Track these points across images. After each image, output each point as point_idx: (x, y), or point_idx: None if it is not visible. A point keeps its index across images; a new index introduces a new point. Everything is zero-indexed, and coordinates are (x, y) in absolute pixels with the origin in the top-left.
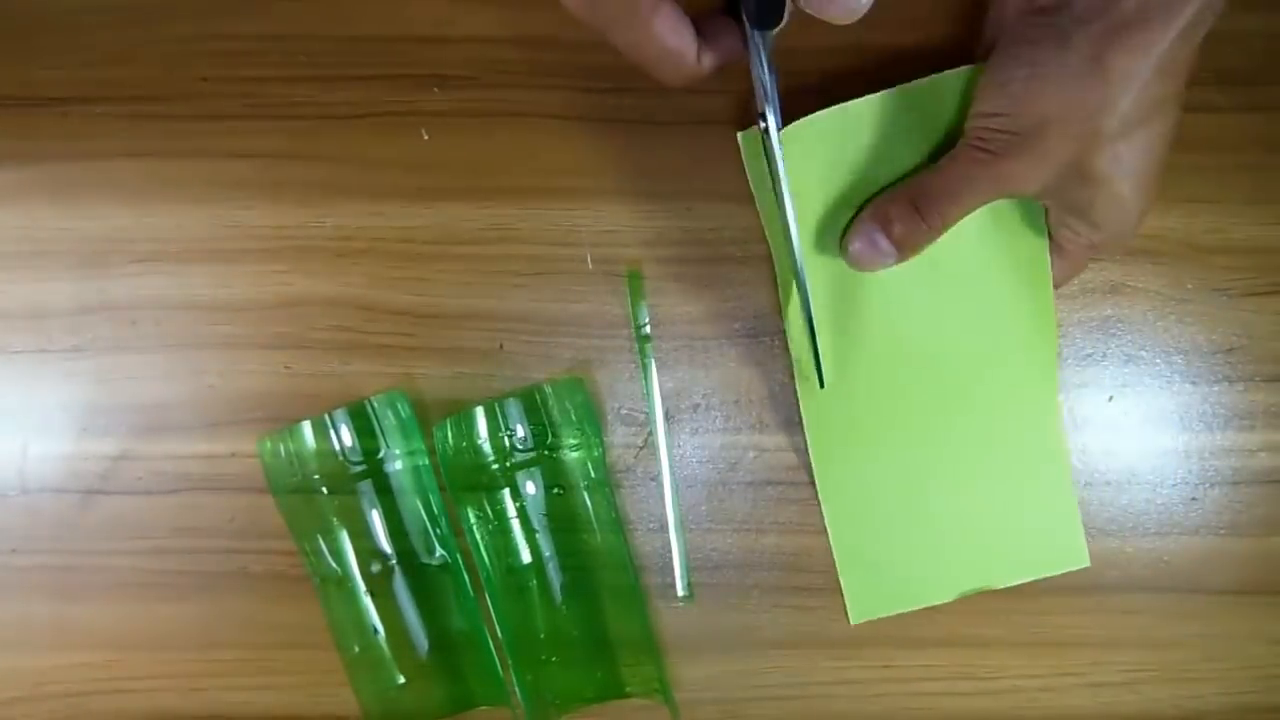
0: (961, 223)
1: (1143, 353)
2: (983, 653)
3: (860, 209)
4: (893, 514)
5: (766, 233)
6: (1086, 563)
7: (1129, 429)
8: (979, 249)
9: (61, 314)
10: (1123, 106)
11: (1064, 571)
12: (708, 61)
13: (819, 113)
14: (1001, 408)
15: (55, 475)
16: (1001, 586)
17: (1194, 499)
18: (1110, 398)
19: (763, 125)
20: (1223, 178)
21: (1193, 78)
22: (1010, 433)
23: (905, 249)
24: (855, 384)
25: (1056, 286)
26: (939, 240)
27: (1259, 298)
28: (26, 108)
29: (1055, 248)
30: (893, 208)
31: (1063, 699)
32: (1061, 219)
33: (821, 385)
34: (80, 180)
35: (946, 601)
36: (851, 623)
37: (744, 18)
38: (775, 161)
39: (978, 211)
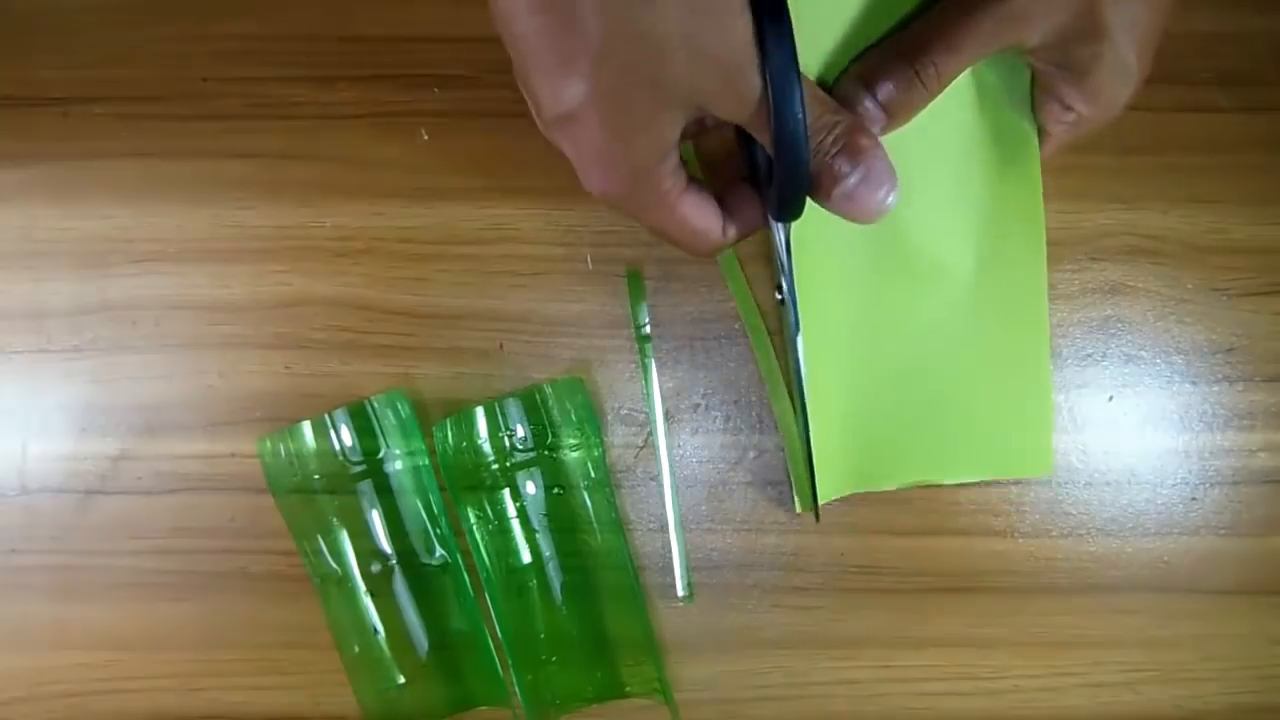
0: (946, 108)
1: (1143, 353)
2: (983, 653)
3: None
4: (856, 395)
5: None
6: (1049, 470)
7: (1129, 429)
8: (962, 136)
9: (61, 314)
10: None
11: (1022, 476)
12: (732, 234)
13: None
14: (986, 298)
15: (55, 475)
16: (952, 482)
17: (1194, 499)
18: (1110, 398)
19: (779, 296)
20: (1223, 178)
21: None
22: (992, 323)
23: (897, 115)
24: (831, 256)
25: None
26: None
27: (1259, 298)
28: (26, 108)
29: (1042, 131)
30: (882, 65)
31: (1062, 699)
32: (1053, 86)
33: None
34: (80, 180)
35: (892, 489)
36: (797, 511)
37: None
38: (791, 332)
39: (962, 91)
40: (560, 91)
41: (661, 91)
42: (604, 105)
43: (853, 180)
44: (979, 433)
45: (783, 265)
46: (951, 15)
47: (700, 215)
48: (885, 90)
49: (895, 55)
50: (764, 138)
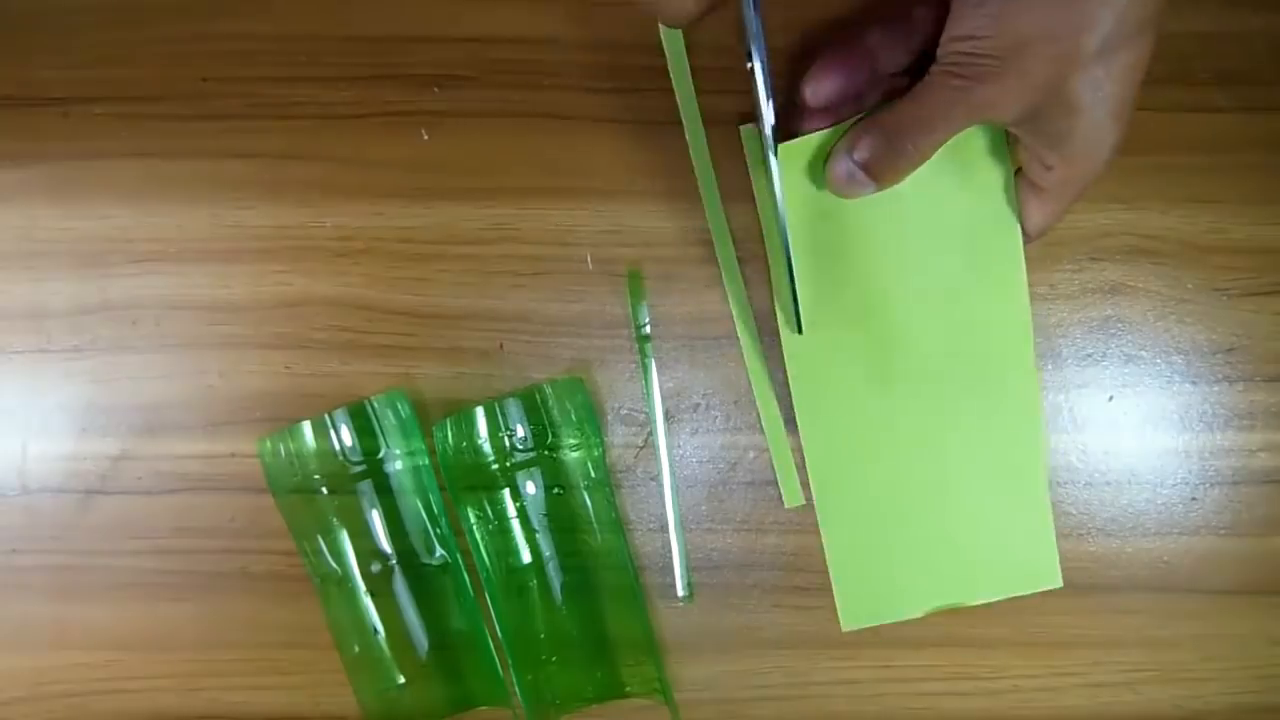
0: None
1: (1143, 353)
2: (983, 653)
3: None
4: (881, 521)
5: (757, 202)
6: (1058, 583)
7: (1129, 429)
8: (944, 238)
9: (61, 314)
10: (1105, 25)
11: (1035, 591)
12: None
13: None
14: (983, 421)
15: (55, 475)
16: (974, 604)
17: (1194, 499)
18: (1110, 398)
19: (749, 64)
20: (1223, 178)
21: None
22: (991, 446)
23: (883, 179)
24: (843, 389)
25: (1038, 232)
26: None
27: (1259, 298)
28: (26, 108)
29: (1029, 186)
30: (866, 138)
31: (1062, 699)
32: (1035, 152)
33: (799, 330)
34: (80, 180)
35: (919, 616)
36: (786, 506)
37: None
38: (759, 94)
39: (941, 191)
40: None
41: None
42: None
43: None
44: (987, 553)
45: (752, 31)
46: (929, 96)
47: None
48: (870, 159)
49: (878, 130)
50: None
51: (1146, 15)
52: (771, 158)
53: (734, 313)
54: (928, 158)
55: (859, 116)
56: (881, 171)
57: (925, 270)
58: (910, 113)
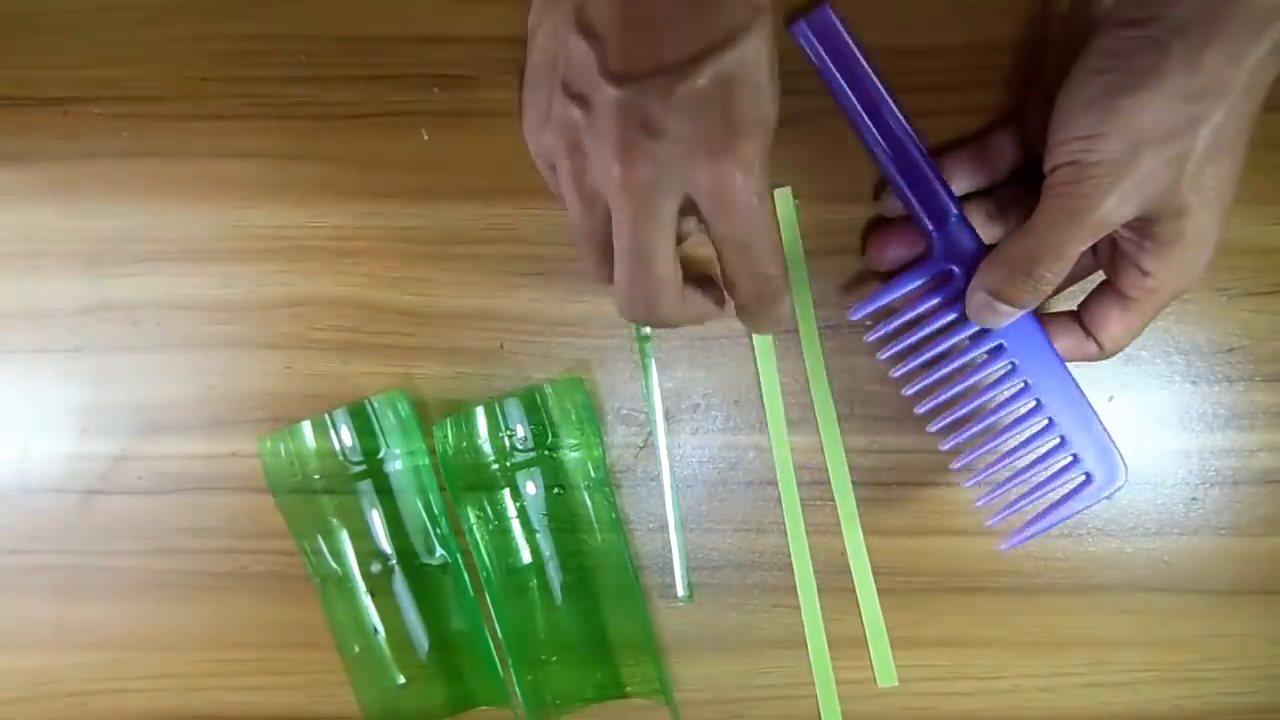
0: None
1: (1143, 353)
2: (983, 653)
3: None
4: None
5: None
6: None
7: (1129, 429)
8: None
9: (61, 314)
10: (1216, 120)
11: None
12: (679, 314)
13: None
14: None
15: (56, 475)
16: None
17: (1194, 499)
18: (1110, 398)
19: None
20: None
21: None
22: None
23: (1023, 306)
24: None
25: (1118, 348)
26: None
27: (1259, 298)
28: (26, 108)
29: (1114, 298)
30: (1001, 274)
31: (1062, 699)
32: (1134, 258)
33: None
34: (80, 180)
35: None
36: (881, 685)
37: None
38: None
39: None
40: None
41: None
42: (701, 115)
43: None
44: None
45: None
46: (1048, 225)
47: (671, 270)
48: (1016, 296)
49: (1011, 270)
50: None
51: (1250, 112)
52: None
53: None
54: (1064, 275)
55: None
56: (1025, 303)
57: None
58: (1037, 248)
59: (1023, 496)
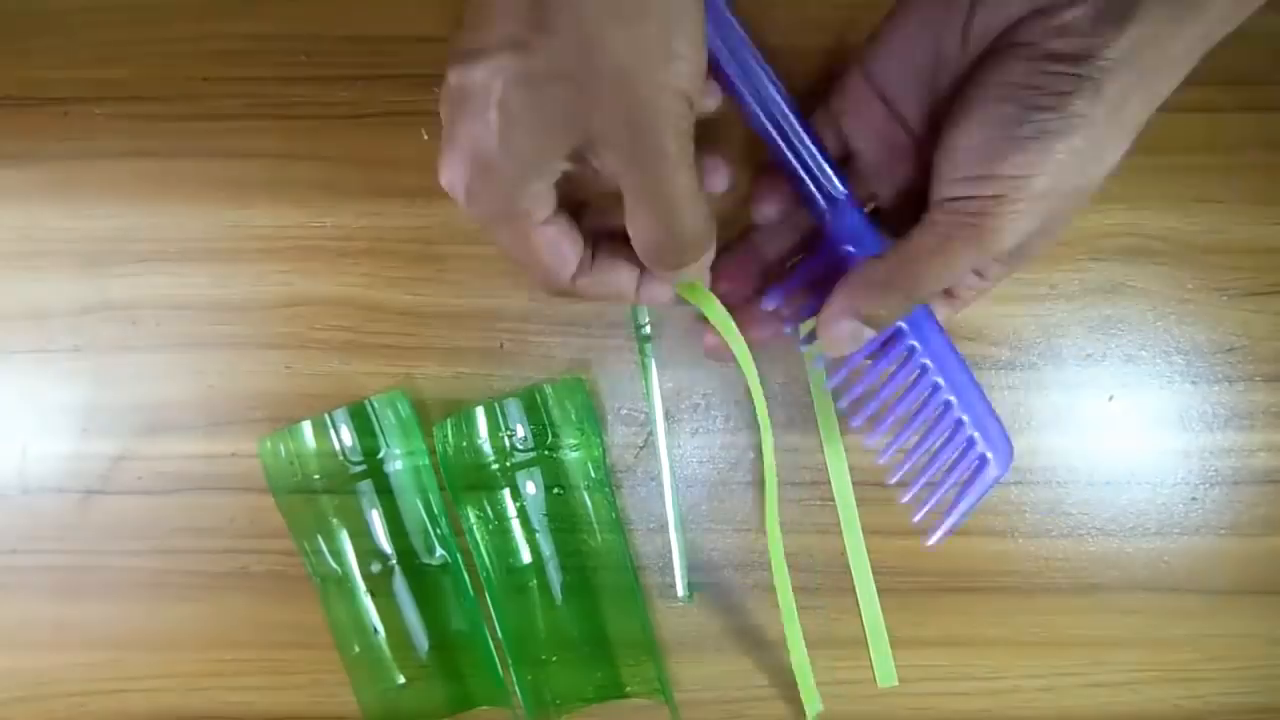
0: None
1: (1143, 353)
2: (983, 653)
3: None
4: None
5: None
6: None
7: (1129, 429)
8: None
9: (61, 314)
10: (1115, 157)
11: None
12: (584, 288)
13: None
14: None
15: (55, 475)
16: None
17: (1194, 499)
18: (1110, 397)
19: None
20: (1223, 178)
21: None
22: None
23: (883, 329)
24: None
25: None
26: None
27: (1259, 297)
28: (26, 108)
29: (945, 297)
30: (876, 295)
31: (1063, 699)
32: (980, 266)
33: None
34: (80, 180)
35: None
36: (881, 686)
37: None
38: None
39: None
40: (494, 31)
41: (570, 110)
42: (522, 78)
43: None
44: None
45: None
46: (940, 251)
47: (554, 251)
48: (878, 314)
49: (890, 289)
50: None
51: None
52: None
53: None
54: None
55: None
56: (886, 324)
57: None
58: (924, 267)
59: (938, 486)
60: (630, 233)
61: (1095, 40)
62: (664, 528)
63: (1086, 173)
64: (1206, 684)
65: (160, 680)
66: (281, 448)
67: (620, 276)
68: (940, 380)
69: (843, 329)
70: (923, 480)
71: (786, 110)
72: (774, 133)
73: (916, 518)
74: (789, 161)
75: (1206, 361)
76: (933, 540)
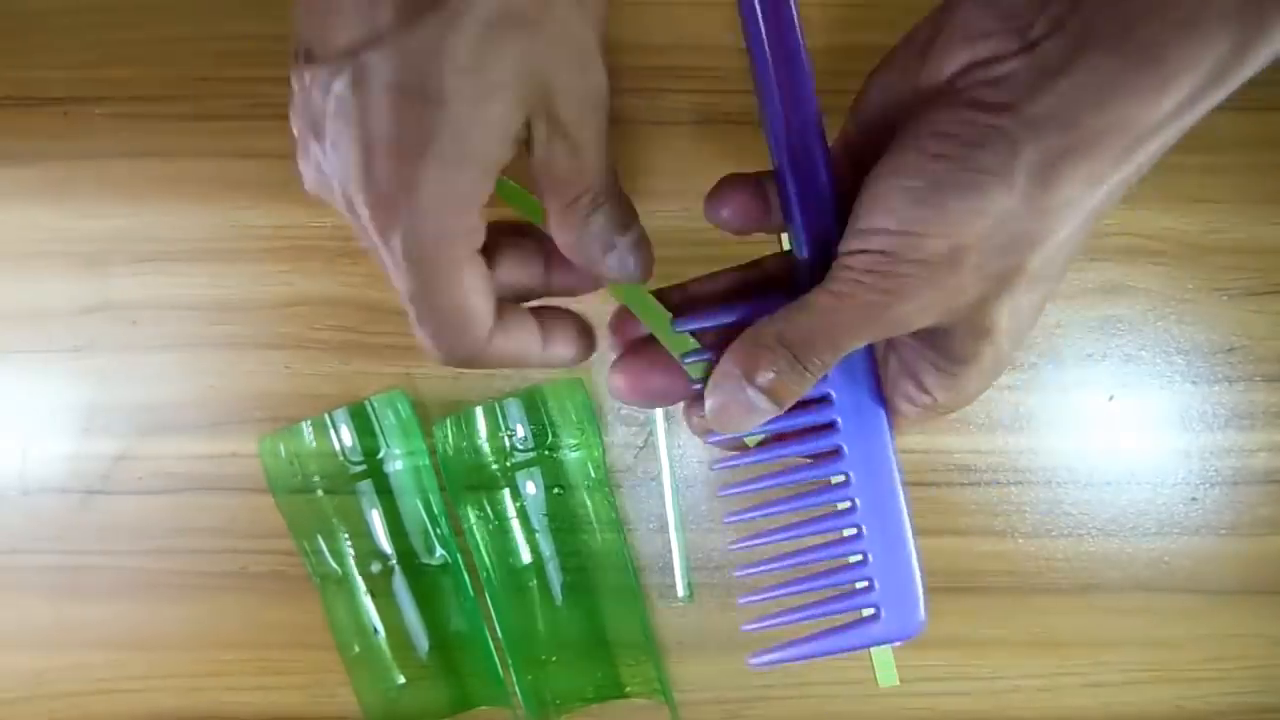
0: None
1: (1143, 353)
2: (983, 653)
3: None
4: None
5: None
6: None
7: (1129, 429)
8: None
9: (61, 314)
10: (1050, 247)
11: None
12: (498, 348)
13: None
14: None
15: (56, 475)
16: None
17: (1194, 499)
18: (1110, 397)
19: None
20: (1223, 178)
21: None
22: None
23: (784, 401)
24: None
25: None
26: None
27: (1259, 297)
28: (26, 108)
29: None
30: (764, 355)
31: (1063, 699)
32: (916, 370)
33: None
34: (80, 180)
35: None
36: (881, 685)
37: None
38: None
39: None
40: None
41: (527, 53)
42: (414, 58)
43: (633, 236)
44: None
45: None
46: (836, 307)
47: (478, 295)
48: (770, 381)
49: (776, 345)
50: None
51: (1077, 247)
52: None
53: None
54: (828, 370)
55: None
56: (783, 391)
57: None
58: (815, 326)
59: (796, 610)
60: (579, 215)
61: (1021, 94)
62: (664, 528)
63: (1005, 250)
64: (1206, 684)
65: (159, 680)
66: (281, 448)
67: (530, 333)
68: (857, 501)
69: (729, 393)
70: (782, 591)
71: (816, 135)
72: (790, 153)
73: (747, 626)
74: (791, 191)
75: (1206, 361)
76: (754, 662)
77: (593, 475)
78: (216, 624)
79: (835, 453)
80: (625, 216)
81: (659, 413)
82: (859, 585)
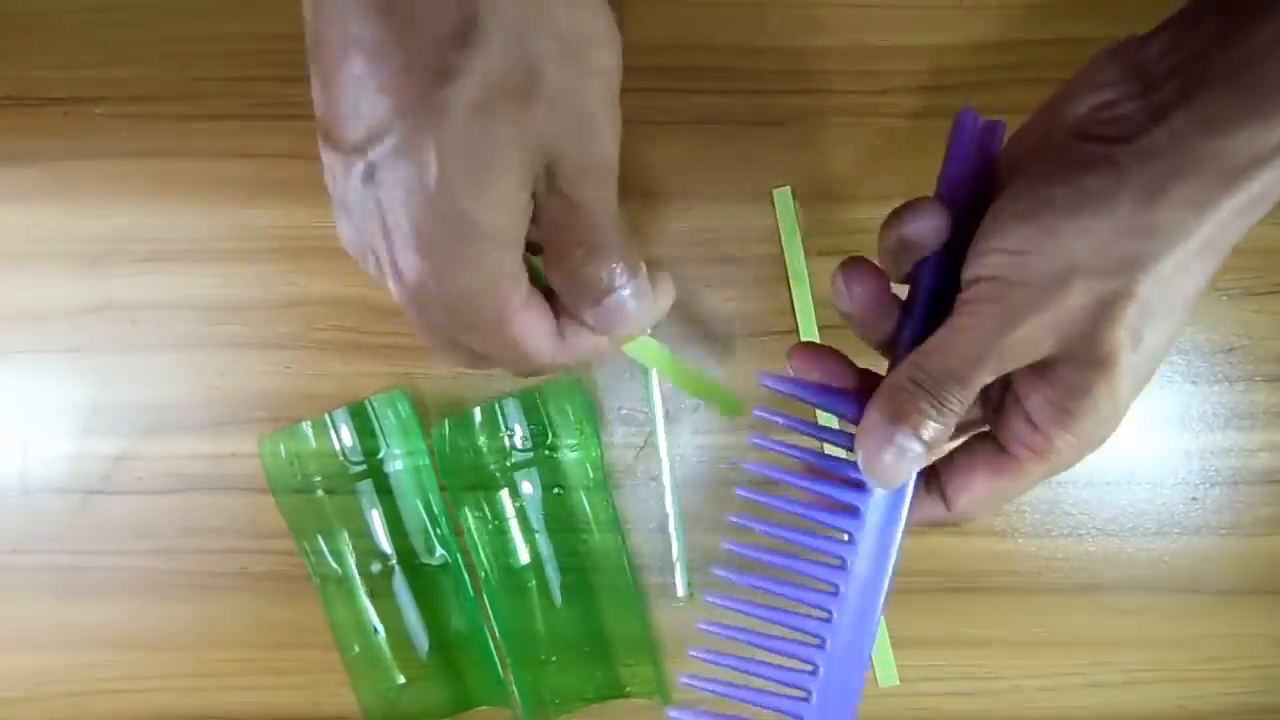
0: None
1: None
2: (983, 653)
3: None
4: None
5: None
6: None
7: (1129, 429)
8: None
9: (62, 314)
10: (1162, 268)
11: None
12: (564, 360)
13: None
14: None
15: (56, 475)
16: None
17: (1194, 499)
18: None
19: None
20: None
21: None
22: None
23: (935, 448)
24: None
25: (965, 516)
26: None
27: (1259, 297)
28: (26, 108)
29: (991, 455)
30: (909, 403)
31: (1063, 699)
32: (1029, 408)
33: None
34: (80, 180)
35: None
36: (881, 685)
37: None
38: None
39: None
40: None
41: (523, 129)
42: (461, 108)
43: (626, 292)
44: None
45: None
46: (960, 341)
47: (536, 331)
48: (926, 430)
49: (919, 391)
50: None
51: (1203, 275)
52: None
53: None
54: (967, 408)
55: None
56: (934, 436)
57: None
58: (942, 362)
59: (729, 685)
60: (571, 266)
61: (1135, 129)
62: (664, 528)
63: (1113, 272)
64: (1206, 684)
65: (160, 680)
66: (282, 448)
67: (589, 337)
68: (835, 613)
69: (879, 440)
70: (724, 660)
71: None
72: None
73: (684, 679)
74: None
75: (1206, 361)
76: (672, 714)
77: (591, 476)
78: (217, 624)
79: (840, 563)
80: (617, 276)
81: (659, 413)
82: (798, 692)
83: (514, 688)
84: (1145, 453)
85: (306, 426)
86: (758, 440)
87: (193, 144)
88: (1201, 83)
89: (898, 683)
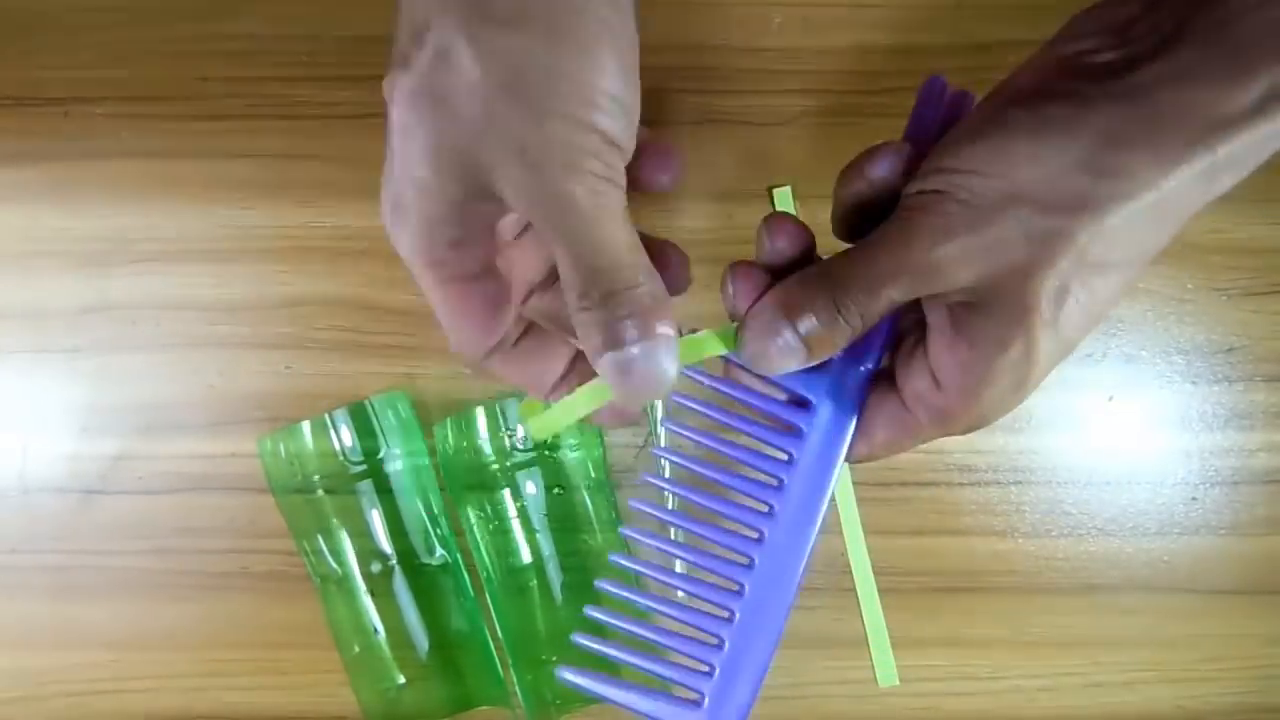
0: None
1: (1143, 353)
2: (983, 653)
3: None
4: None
5: None
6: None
7: (1129, 429)
8: None
9: (61, 314)
10: (1108, 217)
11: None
12: (497, 367)
13: None
14: None
15: (55, 475)
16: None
17: (1194, 499)
18: (1110, 398)
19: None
20: None
21: (1155, 256)
22: None
23: (819, 350)
24: None
25: (860, 460)
26: None
27: (1259, 298)
28: (26, 108)
29: (888, 406)
30: (804, 298)
31: (1063, 699)
32: (935, 357)
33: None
34: (81, 180)
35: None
36: (881, 685)
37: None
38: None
39: None
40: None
41: (437, 130)
42: (406, 97)
43: (635, 351)
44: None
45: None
46: (879, 253)
47: (459, 316)
48: (809, 325)
49: (820, 290)
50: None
51: (1147, 244)
52: None
53: None
54: (870, 327)
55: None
56: (821, 340)
57: None
58: (858, 270)
59: (630, 649)
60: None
61: (1107, 72)
62: (664, 527)
63: (1056, 208)
64: (1206, 684)
65: (160, 680)
66: (281, 448)
67: (539, 368)
68: (747, 587)
69: (764, 330)
70: (627, 625)
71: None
72: None
73: (578, 639)
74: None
75: (1206, 361)
76: (562, 675)
77: (593, 475)
78: (217, 624)
79: (778, 483)
80: (589, 300)
81: (659, 413)
82: (700, 666)
83: (516, 688)
84: (1145, 453)
85: (306, 426)
86: (690, 373)
87: (192, 144)
88: (1179, 39)
89: (898, 683)
